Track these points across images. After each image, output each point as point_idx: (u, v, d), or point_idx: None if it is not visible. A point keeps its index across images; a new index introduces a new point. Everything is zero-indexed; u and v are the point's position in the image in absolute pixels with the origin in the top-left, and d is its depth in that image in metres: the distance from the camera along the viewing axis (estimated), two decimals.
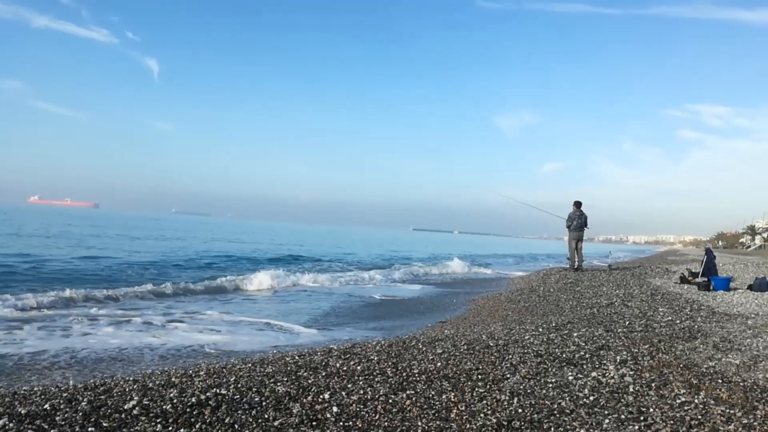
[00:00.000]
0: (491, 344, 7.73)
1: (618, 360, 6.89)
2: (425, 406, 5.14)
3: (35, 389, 5.44)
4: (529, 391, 5.63)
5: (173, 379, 5.76)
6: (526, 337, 8.27)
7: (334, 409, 4.97)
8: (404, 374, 6.17)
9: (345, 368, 6.38)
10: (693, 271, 19.74)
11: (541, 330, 9.04)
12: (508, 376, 6.17)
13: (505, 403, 5.25)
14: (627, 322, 10.07)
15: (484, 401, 5.30)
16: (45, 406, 4.71)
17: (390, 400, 5.27)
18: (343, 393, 5.43)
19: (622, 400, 5.37)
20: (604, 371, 6.38)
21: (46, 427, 4.29)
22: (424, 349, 7.45)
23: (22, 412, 4.55)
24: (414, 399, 5.33)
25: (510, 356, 7.05)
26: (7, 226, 49.30)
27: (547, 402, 5.29)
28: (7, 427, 4.24)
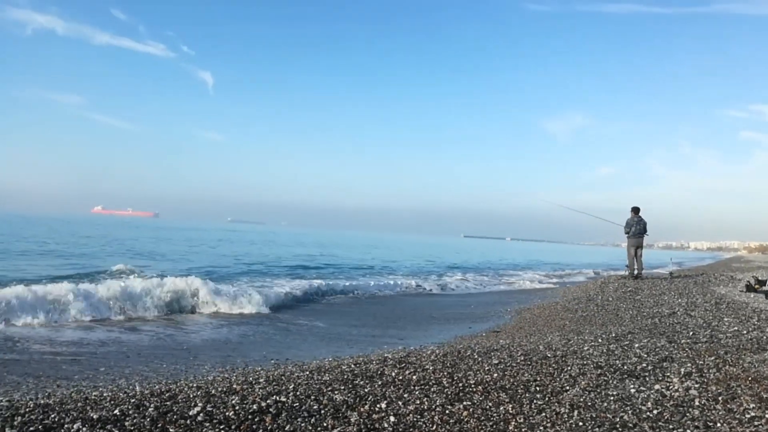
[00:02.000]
0: (549, 355, 7.61)
1: (682, 372, 6.66)
2: (482, 418, 5.10)
3: (104, 395, 5.69)
4: (589, 403, 5.51)
5: (234, 386, 5.91)
6: (585, 348, 8.10)
7: (391, 418, 5.00)
8: (460, 384, 6.15)
9: (401, 377, 6.40)
10: (760, 278, 18.87)
11: (600, 341, 8.83)
12: (567, 388, 6.06)
13: (565, 416, 5.16)
14: (691, 333, 9.71)
15: (543, 414, 5.22)
16: (115, 412, 4.92)
17: (447, 411, 5.26)
18: (400, 402, 5.46)
19: (688, 414, 5.19)
20: (668, 384, 6.18)
21: (116, 431, 4.48)
22: (479, 359, 7.40)
23: (94, 417, 4.77)
24: (471, 410, 5.30)
25: (569, 367, 6.91)
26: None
27: (608, 415, 5.17)
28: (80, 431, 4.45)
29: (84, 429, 4.46)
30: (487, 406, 5.42)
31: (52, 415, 4.75)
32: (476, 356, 7.56)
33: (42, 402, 5.26)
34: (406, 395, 5.70)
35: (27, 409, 4.93)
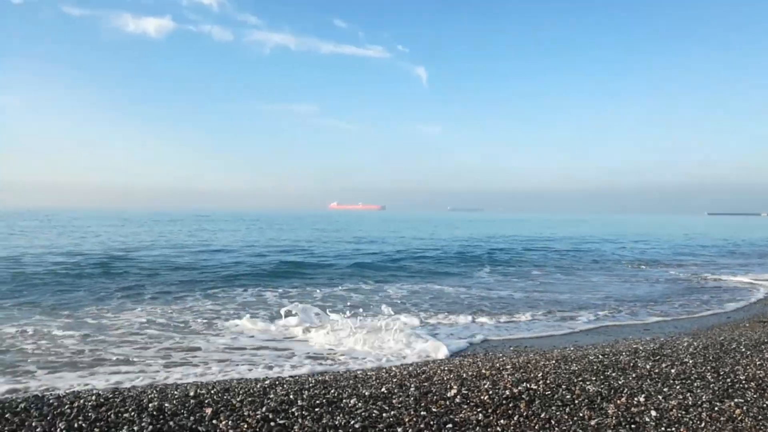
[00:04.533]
0: None
1: None
2: (760, 417, 4.62)
3: (369, 374, 6.33)
4: None
5: (483, 371, 6.15)
6: None
7: (653, 413, 4.78)
8: (728, 380, 5.62)
9: (656, 370, 6.06)
10: None
11: None
12: None
13: None
14: None
15: None
16: (382, 390, 5.46)
17: (715, 408, 4.86)
18: (659, 397, 5.18)
19: None
20: None
21: (386, 408, 4.97)
22: (747, 353, 6.67)
23: (366, 393, 5.35)
24: (745, 408, 4.83)
25: None
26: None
27: None
28: (356, 406, 5.03)
29: (359, 404, 5.03)
30: (764, 405, 4.89)
31: (332, 391, 5.44)
32: (743, 349, 6.83)
33: (320, 379, 6.04)
34: (665, 389, 5.39)
35: (309, 385, 5.71)
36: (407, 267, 21.35)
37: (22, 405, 4.88)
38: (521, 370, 6.19)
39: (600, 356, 6.82)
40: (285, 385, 5.71)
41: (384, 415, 4.74)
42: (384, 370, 6.51)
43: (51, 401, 5.04)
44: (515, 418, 4.70)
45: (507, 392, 5.29)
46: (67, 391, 5.70)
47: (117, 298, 12.86)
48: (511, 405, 4.99)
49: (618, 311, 12.34)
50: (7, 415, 4.61)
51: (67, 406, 4.86)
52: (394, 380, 5.85)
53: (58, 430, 4.36)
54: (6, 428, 4.37)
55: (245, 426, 4.44)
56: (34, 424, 4.46)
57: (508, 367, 6.39)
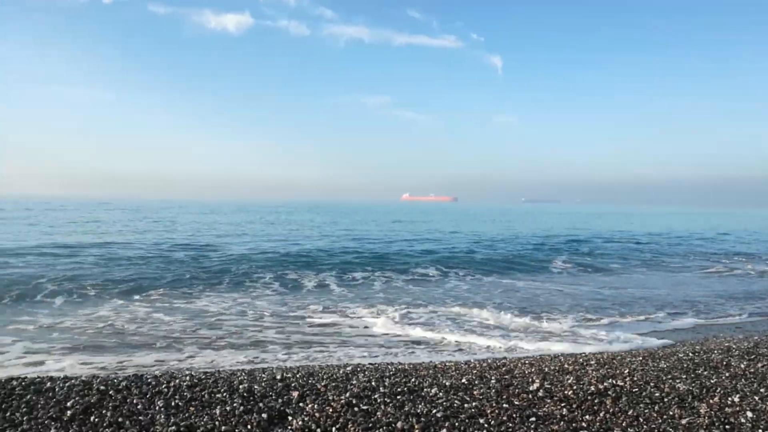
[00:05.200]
0: None
1: None
2: None
3: (448, 365, 6.35)
4: None
5: (566, 366, 6.05)
6: None
7: (749, 414, 4.56)
8: None
9: (752, 370, 5.77)
10: None
11: None
12: None
13: None
14: None
15: None
16: (462, 380, 5.47)
17: None
18: (756, 397, 4.94)
19: None
20: None
21: (467, 398, 4.98)
22: None
23: (447, 384, 5.38)
24: None
25: None
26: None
27: None
28: (437, 395, 5.07)
29: (440, 393, 5.07)
30: None
31: (412, 380, 5.51)
32: None
33: (400, 367, 6.13)
34: (762, 390, 5.12)
35: (390, 373, 5.80)
36: (492, 261, 20.78)
37: (124, 383, 5.22)
38: (606, 366, 6.05)
39: (690, 354, 6.56)
40: (366, 372, 5.83)
41: (465, 405, 4.76)
42: (463, 362, 6.52)
43: (149, 380, 5.37)
44: (601, 414, 4.60)
45: (592, 388, 5.18)
46: (163, 372, 6.06)
47: (226, 283, 13.55)
48: (596, 401, 4.89)
49: (707, 308, 11.77)
50: (110, 392, 4.95)
51: (164, 386, 5.16)
52: (474, 372, 5.85)
53: (157, 407, 4.64)
54: (110, 404, 4.69)
55: (330, 410, 4.57)
56: (135, 401, 4.77)
57: (592, 362, 6.25)
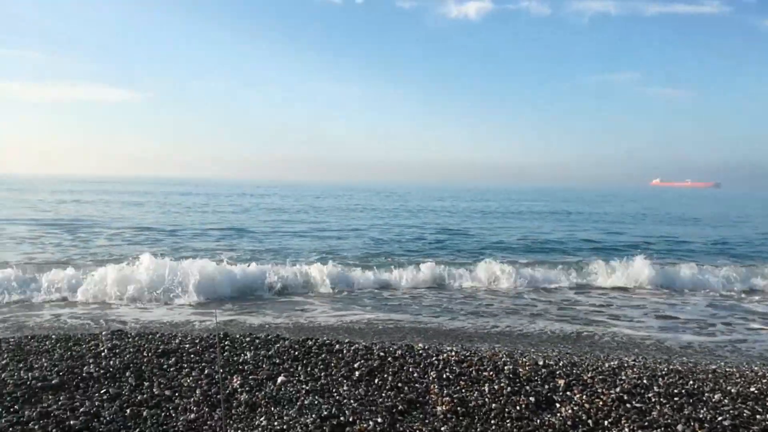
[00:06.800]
0: None
1: None
2: None
3: (728, 370, 5.74)
4: None
5: None
6: None
7: None
8: None
9: None
10: None
11: None
12: None
13: None
14: None
15: None
16: (751, 389, 4.92)
17: None
18: None
19: None
20: None
21: (759, 409, 4.44)
22: None
23: (732, 391, 4.88)
24: None
25: None
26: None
27: None
28: (722, 402, 4.61)
29: (725, 400, 4.62)
30: None
31: (690, 382, 5.11)
32: None
33: (673, 368, 5.72)
34: None
35: (662, 372, 5.45)
36: None
37: (398, 352, 5.74)
38: None
39: None
40: (635, 369, 5.56)
41: (758, 417, 4.27)
42: (748, 369, 5.84)
43: (420, 351, 5.82)
44: None
45: None
46: (429, 345, 6.50)
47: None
48: None
49: None
50: (389, 359, 5.48)
51: (434, 358, 5.55)
52: (764, 381, 5.20)
53: (430, 378, 5.01)
54: (390, 370, 5.19)
55: (600, 403, 4.46)
56: (410, 369, 5.21)
57: None
